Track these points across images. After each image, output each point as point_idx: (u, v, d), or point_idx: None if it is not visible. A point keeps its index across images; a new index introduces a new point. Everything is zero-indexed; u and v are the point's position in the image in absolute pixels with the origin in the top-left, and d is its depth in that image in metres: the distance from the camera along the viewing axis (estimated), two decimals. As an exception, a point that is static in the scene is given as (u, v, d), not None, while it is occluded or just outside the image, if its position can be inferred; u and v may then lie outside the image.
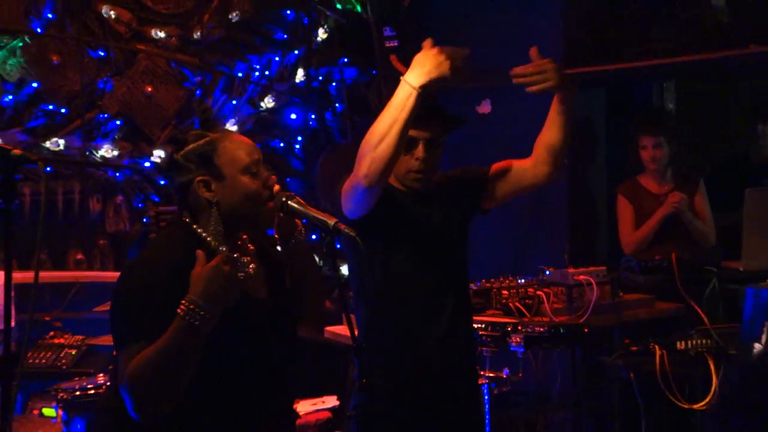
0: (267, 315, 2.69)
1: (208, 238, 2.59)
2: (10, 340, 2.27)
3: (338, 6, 6.44)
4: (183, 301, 2.41)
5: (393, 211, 3.16)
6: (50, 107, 5.65)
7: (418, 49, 3.04)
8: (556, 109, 3.40)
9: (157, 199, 6.01)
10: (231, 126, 6.27)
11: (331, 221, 2.63)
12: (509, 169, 3.53)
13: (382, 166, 2.94)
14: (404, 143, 2.99)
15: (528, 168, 3.51)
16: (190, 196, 2.62)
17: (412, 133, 3.11)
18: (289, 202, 2.67)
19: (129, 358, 2.39)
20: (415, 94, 2.90)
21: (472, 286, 5.06)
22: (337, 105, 6.78)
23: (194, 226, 2.61)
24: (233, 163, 2.64)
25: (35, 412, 4.45)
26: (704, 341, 4.09)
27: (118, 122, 5.74)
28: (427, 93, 2.97)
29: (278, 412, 2.82)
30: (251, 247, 2.76)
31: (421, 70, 2.93)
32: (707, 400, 3.96)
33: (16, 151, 2.34)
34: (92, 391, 4.33)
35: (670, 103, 6.65)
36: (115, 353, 2.50)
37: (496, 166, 3.55)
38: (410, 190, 3.33)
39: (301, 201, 2.70)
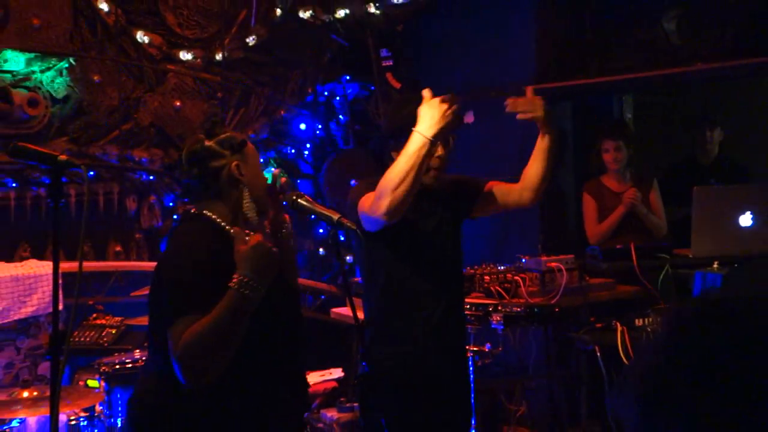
0: (281, 291, 2.70)
1: (222, 222, 2.63)
2: (59, 321, 2.26)
3: (341, 30, 6.43)
4: (234, 276, 2.43)
5: None
6: (91, 120, 5.64)
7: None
8: (540, 145, 3.42)
9: (186, 199, 6.04)
10: (250, 135, 6.27)
11: (335, 216, 2.66)
12: (500, 189, 3.55)
13: (402, 206, 2.98)
14: (419, 185, 3.02)
15: (515, 191, 3.53)
16: (221, 180, 2.64)
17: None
18: (299, 200, 2.71)
19: (183, 329, 2.38)
20: (428, 143, 2.94)
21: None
22: (340, 117, 6.78)
23: (213, 216, 2.63)
24: (254, 155, 2.72)
25: (81, 383, 4.46)
26: (659, 318, 4.10)
27: (151, 132, 5.73)
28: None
29: (293, 380, 2.83)
30: (287, 219, 2.85)
31: (431, 121, 2.96)
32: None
33: (63, 157, 2.34)
34: (130, 365, 4.35)
35: (628, 113, 6.65)
36: (166, 328, 2.46)
37: (491, 184, 3.57)
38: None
39: (309, 199, 2.74)
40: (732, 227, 4.39)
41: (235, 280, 2.42)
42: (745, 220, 4.37)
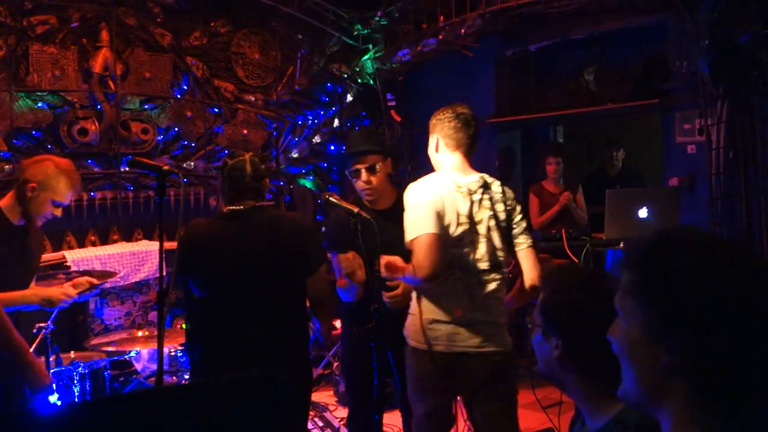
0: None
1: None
2: (163, 283, 2.23)
3: (359, 80, 6.39)
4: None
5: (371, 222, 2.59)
6: (185, 143, 5.61)
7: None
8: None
9: (269, 196, 6.06)
10: (294, 154, 6.23)
11: (355, 209, 2.60)
12: None
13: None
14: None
15: None
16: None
17: (355, 165, 2.91)
18: (331, 198, 2.65)
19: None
20: None
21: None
22: (358, 141, 6.75)
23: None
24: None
25: (178, 326, 4.43)
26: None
27: (225, 151, 5.69)
28: (363, 130, 2.91)
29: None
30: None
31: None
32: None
33: (166, 167, 2.31)
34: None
35: (560, 138, 6.61)
36: None
37: None
38: (372, 206, 3.00)
39: (337, 197, 2.68)
40: (633, 218, 4.34)
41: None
42: (643, 212, 4.32)
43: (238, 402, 0.81)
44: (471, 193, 2.64)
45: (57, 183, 2.73)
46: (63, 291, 2.83)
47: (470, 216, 2.59)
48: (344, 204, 2.65)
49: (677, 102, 5.09)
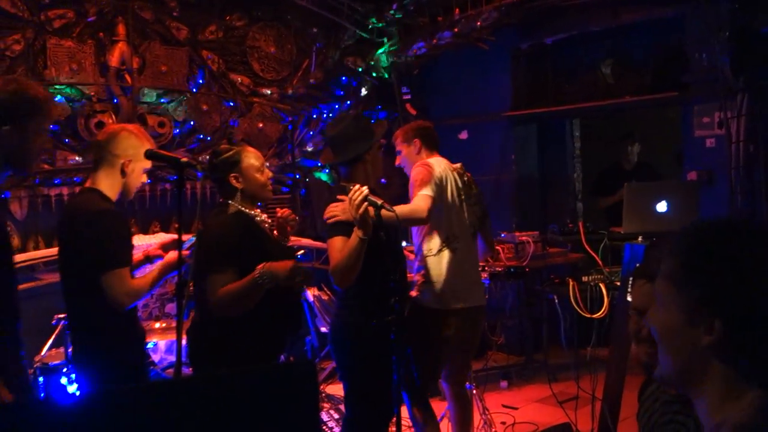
0: None
1: (243, 208, 2.61)
2: (181, 275, 2.23)
3: (374, 74, 6.36)
4: (258, 267, 2.41)
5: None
6: (201, 136, 5.61)
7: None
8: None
9: (285, 189, 6.04)
10: (309, 147, 6.22)
11: (379, 202, 2.58)
12: None
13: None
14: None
15: None
16: (228, 185, 2.63)
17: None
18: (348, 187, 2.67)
19: (220, 284, 2.42)
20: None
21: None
22: (373, 134, 6.73)
23: (234, 204, 2.61)
24: (251, 167, 2.65)
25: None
26: (599, 276, 4.03)
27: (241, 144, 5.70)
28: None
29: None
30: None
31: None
32: (601, 312, 3.89)
33: (184, 159, 2.30)
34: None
35: (576, 131, 6.56)
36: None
37: None
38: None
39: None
40: (652, 212, 4.28)
41: (258, 270, 2.40)
42: (661, 206, 4.27)
43: (267, 390, 0.81)
44: (461, 174, 3.52)
45: (143, 150, 2.55)
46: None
47: (461, 190, 3.46)
48: (370, 197, 2.63)
49: (696, 95, 5.02)
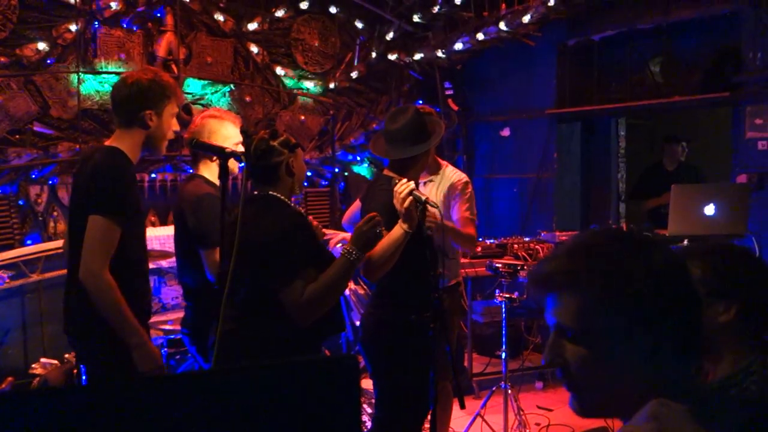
0: None
1: (285, 200, 2.41)
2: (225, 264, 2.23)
3: (417, 69, 6.32)
4: (346, 246, 2.30)
5: None
6: (243, 127, 5.64)
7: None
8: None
9: (325, 183, 6.06)
10: (350, 141, 6.22)
11: (423, 197, 2.56)
12: None
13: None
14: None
15: None
16: (280, 170, 2.40)
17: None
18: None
19: (303, 285, 2.22)
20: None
21: (495, 241, 4.95)
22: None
23: (279, 195, 2.40)
24: (301, 153, 2.50)
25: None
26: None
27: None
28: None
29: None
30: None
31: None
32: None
33: (228, 149, 2.32)
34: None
35: (621, 131, 6.42)
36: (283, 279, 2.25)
37: None
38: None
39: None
40: (699, 214, 4.17)
41: (345, 249, 2.30)
42: (709, 209, 4.15)
43: (309, 384, 0.79)
44: None
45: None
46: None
47: None
48: (416, 191, 2.60)
49: (749, 95, 4.87)
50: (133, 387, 0.82)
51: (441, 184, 3.52)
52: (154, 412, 0.78)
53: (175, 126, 2.60)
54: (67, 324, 2.47)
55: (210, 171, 2.94)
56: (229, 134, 2.92)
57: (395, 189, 2.56)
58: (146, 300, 2.58)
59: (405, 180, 2.59)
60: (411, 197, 2.53)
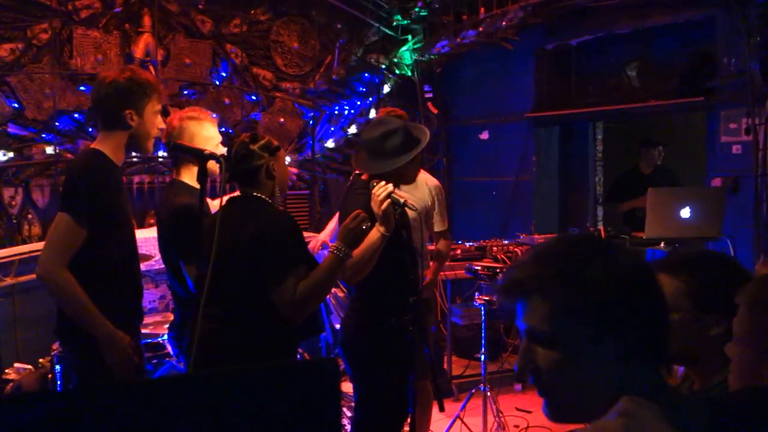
0: None
1: (270, 200, 2.41)
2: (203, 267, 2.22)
3: (396, 71, 6.34)
4: (335, 244, 2.32)
5: None
6: (223, 129, 5.62)
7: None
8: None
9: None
10: (331, 143, 6.21)
11: (402, 199, 2.55)
12: None
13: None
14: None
15: None
16: (259, 175, 2.39)
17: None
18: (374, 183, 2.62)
19: (296, 279, 2.25)
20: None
21: (474, 243, 4.98)
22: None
23: (262, 196, 2.39)
24: (282, 156, 2.49)
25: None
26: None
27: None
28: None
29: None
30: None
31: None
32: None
33: (207, 151, 2.30)
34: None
35: (598, 135, 6.49)
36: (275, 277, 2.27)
37: None
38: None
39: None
40: (675, 218, 4.22)
41: (334, 246, 2.31)
42: (685, 212, 4.20)
43: (288, 388, 0.79)
44: None
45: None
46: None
47: None
48: (394, 194, 2.59)
49: (723, 100, 4.94)
50: (111, 392, 0.81)
51: (418, 187, 3.52)
52: (132, 417, 0.77)
53: (160, 124, 2.58)
54: (56, 326, 2.47)
55: (191, 176, 2.77)
56: (210, 135, 2.86)
57: (373, 191, 2.55)
58: (135, 300, 2.56)
59: (383, 182, 2.57)
60: (389, 200, 2.52)
